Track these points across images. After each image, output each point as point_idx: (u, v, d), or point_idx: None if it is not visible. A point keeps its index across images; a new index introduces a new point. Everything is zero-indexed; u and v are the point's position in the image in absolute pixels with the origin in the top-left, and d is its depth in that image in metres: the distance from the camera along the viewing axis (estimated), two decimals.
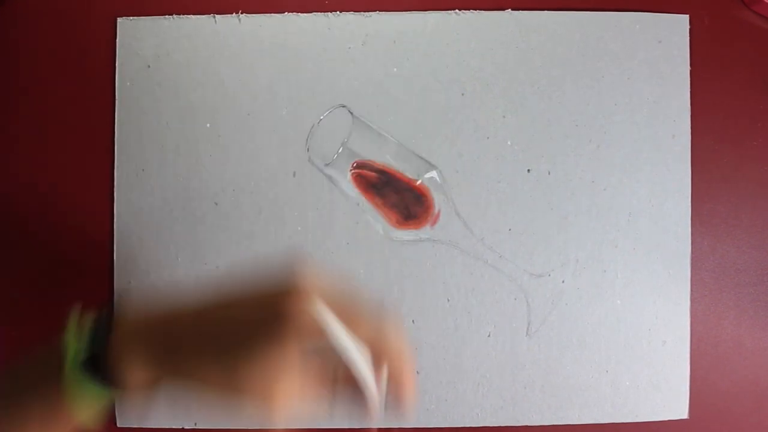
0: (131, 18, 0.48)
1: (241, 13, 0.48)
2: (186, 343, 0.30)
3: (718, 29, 0.49)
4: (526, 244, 0.48)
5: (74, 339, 0.31)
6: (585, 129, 0.48)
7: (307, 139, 0.47)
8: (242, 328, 0.29)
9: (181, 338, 0.30)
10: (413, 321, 0.48)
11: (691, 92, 0.49)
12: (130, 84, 0.48)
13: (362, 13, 0.49)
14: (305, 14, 0.49)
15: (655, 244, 0.48)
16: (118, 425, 0.47)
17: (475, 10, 0.49)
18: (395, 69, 0.48)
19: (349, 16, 0.49)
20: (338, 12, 0.49)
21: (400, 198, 0.46)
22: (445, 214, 0.47)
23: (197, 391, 0.31)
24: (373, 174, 0.45)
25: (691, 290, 0.48)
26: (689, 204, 0.48)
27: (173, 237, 0.48)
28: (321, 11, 0.49)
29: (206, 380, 0.31)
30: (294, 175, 0.48)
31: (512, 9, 0.49)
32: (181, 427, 0.47)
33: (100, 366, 0.30)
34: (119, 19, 0.48)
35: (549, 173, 0.48)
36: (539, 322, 0.48)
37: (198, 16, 0.48)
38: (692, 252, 0.48)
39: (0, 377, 0.33)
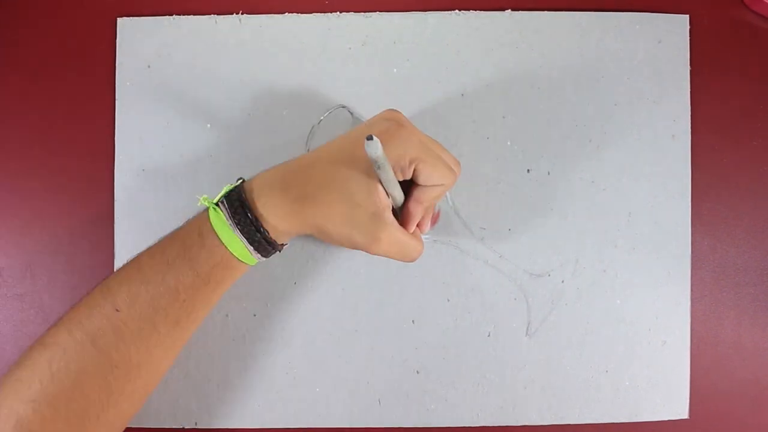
0: (131, 18, 0.48)
1: (242, 13, 0.48)
2: (312, 187, 0.37)
3: (718, 29, 0.49)
4: (526, 244, 0.48)
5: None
6: (585, 129, 0.48)
7: (307, 139, 0.47)
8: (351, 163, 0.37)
9: (308, 184, 0.37)
10: (413, 321, 0.48)
11: (691, 92, 0.49)
12: (130, 84, 0.48)
13: (362, 13, 0.49)
14: (305, 15, 0.49)
15: (655, 244, 0.48)
16: None
17: (475, 10, 0.49)
18: (395, 69, 0.48)
19: (349, 17, 0.49)
20: (338, 12, 0.49)
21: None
22: (445, 214, 0.47)
23: (325, 231, 0.38)
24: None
25: (691, 290, 0.48)
26: (689, 204, 0.48)
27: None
28: (321, 12, 0.49)
29: (330, 215, 0.37)
30: None
31: (512, 9, 0.49)
32: (181, 426, 0.47)
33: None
34: (119, 19, 0.48)
35: (549, 173, 0.48)
36: (539, 322, 0.48)
37: (198, 16, 0.48)
38: (692, 252, 0.48)
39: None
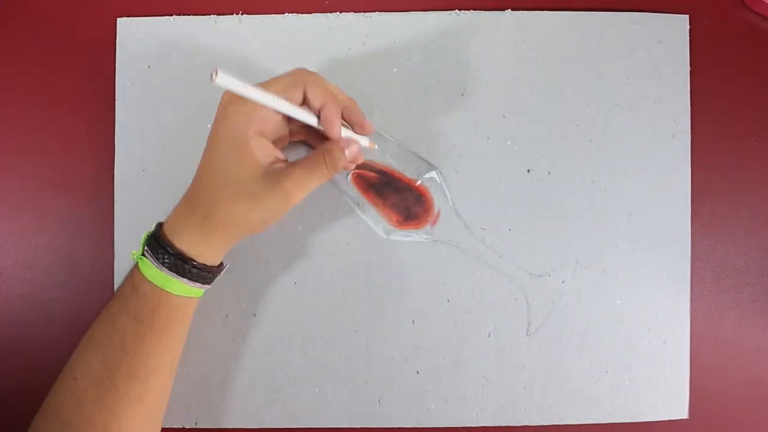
0: (131, 18, 0.48)
1: (242, 13, 0.48)
2: (207, 198, 0.39)
3: (718, 29, 0.49)
4: (526, 244, 0.48)
5: None
6: (585, 129, 0.48)
7: (307, 139, 0.46)
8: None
9: (203, 196, 0.39)
10: (413, 321, 0.48)
11: (691, 92, 0.49)
12: (130, 84, 0.48)
13: (362, 13, 0.49)
14: (305, 15, 0.49)
15: (655, 244, 0.48)
16: None
17: (475, 10, 0.49)
18: (395, 69, 0.48)
19: (349, 17, 0.49)
20: (338, 12, 0.49)
21: (400, 198, 0.46)
22: (445, 214, 0.47)
23: None
24: (373, 174, 0.45)
25: (691, 290, 0.48)
26: (689, 204, 0.48)
27: None
28: (321, 12, 0.49)
29: None
30: None
31: (512, 9, 0.49)
32: (181, 426, 0.47)
33: None
34: (119, 19, 0.48)
35: (549, 173, 0.48)
36: (539, 322, 0.48)
37: (198, 16, 0.48)
38: (692, 252, 0.48)
39: None
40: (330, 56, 0.48)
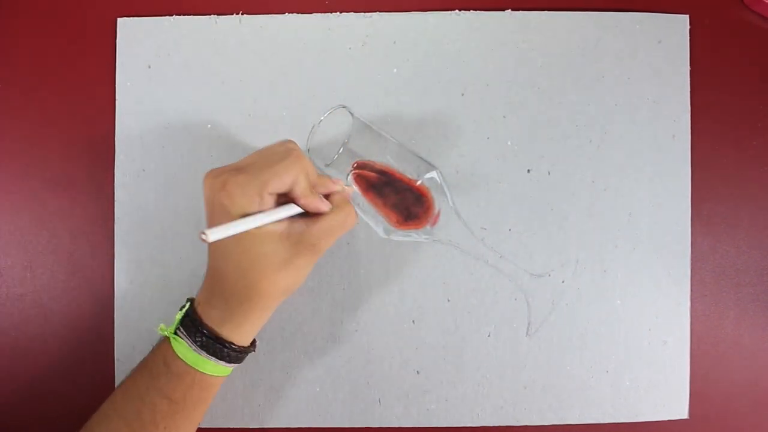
0: (131, 18, 0.48)
1: (242, 13, 0.48)
2: (241, 283, 0.38)
3: (718, 29, 0.49)
4: (526, 244, 0.48)
5: None
6: (585, 129, 0.48)
7: (307, 139, 0.46)
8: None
9: (237, 283, 0.38)
10: (413, 321, 0.48)
11: (691, 92, 0.49)
12: (130, 84, 0.48)
13: (362, 13, 0.49)
14: (305, 15, 0.49)
15: (655, 244, 0.48)
16: None
17: (475, 10, 0.49)
18: (395, 69, 0.48)
19: (349, 17, 0.49)
20: (338, 12, 0.49)
21: (401, 198, 0.46)
22: (445, 214, 0.47)
23: None
24: (373, 174, 0.45)
25: (691, 290, 0.48)
26: (689, 204, 0.48)
27: (174, 237, 0.48)
28: (321, 12, 0.49)
29: None
30: None
31: (512, 9, 0.49)
32: None
33: None
34: (119, 19, 0.48)
35: (549, 173, 0.48)
36: (539, 322, 0.48)
37: (198, 16, 0.48)
38: (692, 252, 0.48)
39: None
40: (330, 56, 0.48)
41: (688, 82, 0.49)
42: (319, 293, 0.48)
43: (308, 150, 0.47)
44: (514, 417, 0.48)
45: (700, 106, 0.49)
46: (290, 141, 0.40)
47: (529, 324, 0.48)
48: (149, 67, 0.48)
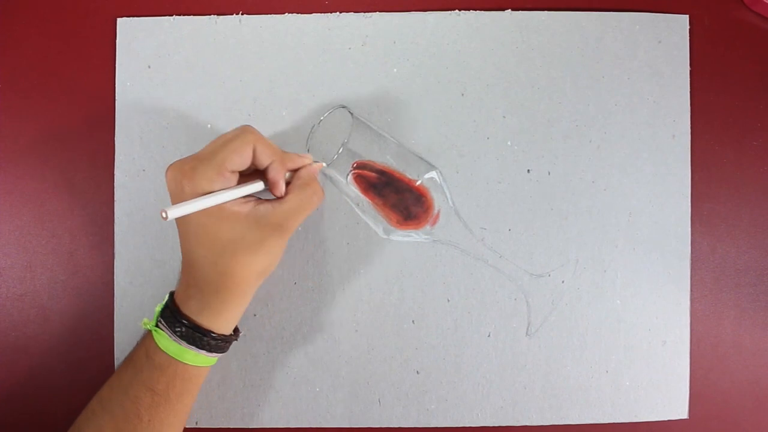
0: (131, 18, 0.48)
1: (242, 13, 0.48)
2: (214, 272, 0.38)
3: (718, 29, 0.49)
4: (526, 244, 0.48)
5: None
6: (585, 129, 0.48)
7: (307, 139, 0.46)
8: None
9: (211, 272, 0.38)
10: (413, 321, 0.48)
11: (691, 92, 0.49)
12: (130, 84, 0.48)
13: (362, 13, 0.49)
14: (305, 15, 0.49)
15: (655, 244, 0.48)
16: None
17: (475, 10, 0.49)
18: (395, 69, 0.48)
19: (349, 17, 0.49)
20: (338, 13, 0.49)
21: (400, 198, 0.46)
22: (445, 214, 0.47)
23: None
24: (373, 174, 0.45)
25: (691, 290, 0.48)
26: (689, 204, 0.48)
27: (174, 237, 0.48)
28: (321, 12, 0.49)
29: None
30: None
31: (512, 9, 0.49)
32: None
33: None
34: (119, 19, 0.48)
35: (549, 173, 0.48)
36: (539, 322, 0.48)
37: (198, 16, 0.48)
38: (692, 252, 0.48)
39: None
40: (330, 56, 0.48)
41: (688, 82, 0.49)
42: (319, 293, 0.48)
43: (308, 150, 0.47)
44: (514, 417, 0.48)
45: (700, 106, 0.49)
46: (245, 125, 0.40)
47: (529, 324, 0.48)
48: (149, 67, 0.48)
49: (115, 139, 0.48)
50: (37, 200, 0.48)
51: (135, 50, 0.48)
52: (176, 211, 0.34)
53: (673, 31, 0.49)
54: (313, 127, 0.46)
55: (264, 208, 0.38)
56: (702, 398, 0.48)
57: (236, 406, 0.48)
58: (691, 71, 0.49)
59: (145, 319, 0.40)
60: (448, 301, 0.48)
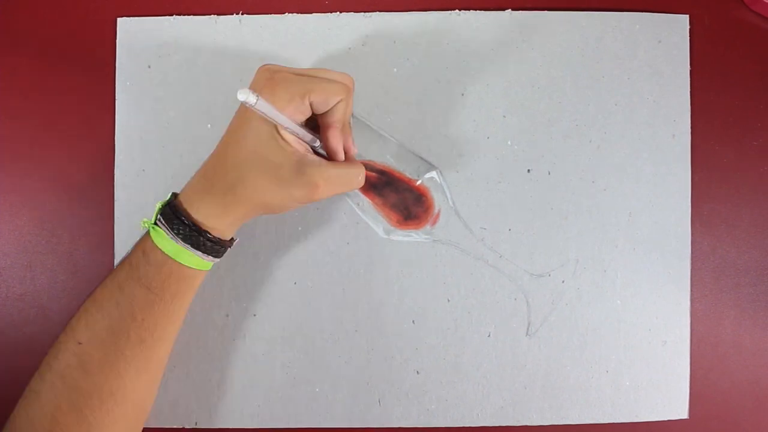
0: (131, 18, 0.48)
1: (242, 13, 0.48)
2: (232, 174, 0.38)
3: (718, 29, 0.49)
4: (526, 244, 0.48)
5: None
6: (585, 129, 0.48)
7: None
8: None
9: (228, 173, 0.38)
10: (413, 321, 0.48)
11: (691, 92, 0.49)
12: (130, 84, 0.48)
13: (362, 13, 0.49)
14: (305, 15, 0.49)
15: (655, 244, 0.48)
16: None
17: (475, 10, 0.49)
18: (395, 69, 0.48)
19: (349, 17, 0.49)
20: (338, 12, 0.49)
21: (400, 198, 0.46)
22: (445, 214, 0.47)
23: None
24: (373, 174, 0.45)
25: (691, 290, 0.48)
26: (689, 204, 0.48)
27: None
28: (321, 12, 0.49)
29: None
30: None
31: (512, 9, 0.49)
32: (181, 426, 0.47)
33: None
34: (119, 19, 0.48)
35: (549, 173, 0.48)
36: (539, 322, 0.48)
37: (198, 16, 0.48)
38: (692, 252, 0.48)
39: None
40: (330, 56, 0.48)
41: (688, 82, 0.49)
42: (319, 293, 0.48)
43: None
44: (514, 417, 0.48)
45: (700, 106, 0.49)
46: (349, 76, 0.40)
47: (529, 324, 0.48)
48: (149, 67, 0.48)
49: (115, 139, 0.48)
50: (36, 200, 0.48)
51: (135, 50, 0.48)
52: (247, 96, 0.33)
53: (673, 31, 0.49)
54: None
55: (314, 159, 0.38)
56: (702, 398, 0.48)
57: (236, 406, 0.48)
58: (691, 71, 0.49)
59: (145, 219, 0.40)
60: (448, 301, 0.48)
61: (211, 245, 0.39)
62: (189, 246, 0.38)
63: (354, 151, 0.41)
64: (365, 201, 0.46)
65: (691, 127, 0.49)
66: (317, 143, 0.40)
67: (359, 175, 0.40)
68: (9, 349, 0.48)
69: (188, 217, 0.38)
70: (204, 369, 0.47)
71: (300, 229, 0.48)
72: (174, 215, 0.38)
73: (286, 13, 0.49)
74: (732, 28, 0.49)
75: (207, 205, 0.38)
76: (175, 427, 0.47)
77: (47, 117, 0.49)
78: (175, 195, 0.40)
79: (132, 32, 0.48)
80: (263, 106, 0.33)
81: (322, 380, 0.48)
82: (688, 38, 0.49)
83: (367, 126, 0.46)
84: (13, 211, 0.48)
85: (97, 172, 0.48)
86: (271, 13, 0.48)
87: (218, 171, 0.38)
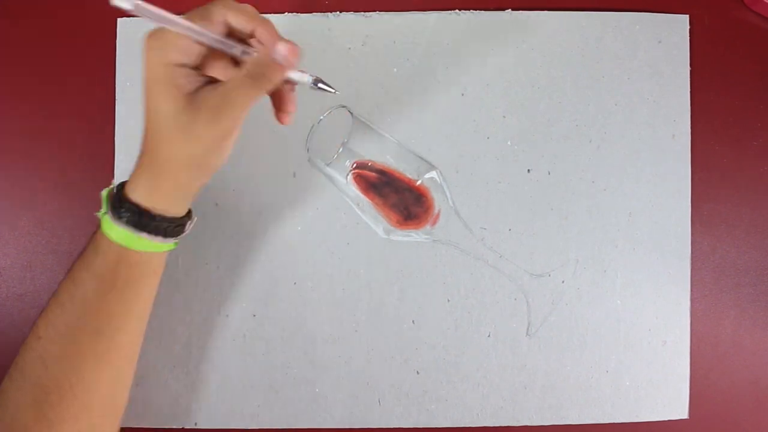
0: (131, 18, 0.48)
1: None
2: (150, 144, 0.37)
3: (718, 29, 0.49)
4: (526, 244, 0.48)
5: None
6: (585, 129, 0.48)
7: (307, 139, 0.47)
8: None
9: (147, 145, 0.37)
10: (413, 321, 0.48)
11: (691, 92, 0.49)
12: (130, 84, 0.48)
13: (362, 13, 0.49)
14: (305, 14, 0.49)
15: (655, 244, 0.48)
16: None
17: (475, 10, 0.49)
18: (395, 69, 0.48)
19: (349, 17, 0.49)
20: (338, 12, 0.49)
21: (400, 198, 0.46)
22: (445, 214, 0.47)
23: None
24: (373, 174, 0.45)
25: (691, 290, 0.48)
26: (689, 204, 0.48)
27: None
28: (321, 12, 0.49)
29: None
30: (294, 175, 0.48)
31: (512, 9, 0.49)
32: (181, 426, 0.47)
33: None
34: (119, 19, 0.48)
35: (549, 173, 0.48)
36: (539, 322, 0.48)
37: None
38: (692, 252, 0.48)
39: None
40: (330, 56, 0.48)
41: (688, 82, 0.49)
42: (319, 293, 0.48)
43: (308, 150, 0.47)
44: (514, 417, 0.48)
45: (700, 106, 0.49)
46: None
47: (529, 324, 0.48)
48: None
49: (115, 139, 0.48)
50: (36, 200, 0.48)
51: (135, 50, 0.48)
52: (145, 8, 0.30)
53: (673, 31, 0.49)
54: (313, 126, 0.46)
55: (206, 89, 0.35)
56: (702, 398, 0.48)
57: (236, 407, 0.48)
58: (691, 71, 0.49)
59: (100, 210, 0.39)
60: (448, 301, 0.48)
61: (156, 225, 0.37)
62: (132, 228, 0.37)
63: (282, 52, 0.36)
64: (365, 201, 0.46)
65: (691, 127, 0.49)
66: (239, 52, 0.35)
67: (267, 70, 0.35)
68: (9, 349, 0.48)
69: (128, 200, 0.37)
70: (204, 369, 0.47)
71: (300, 229, 0.48)
72: (117, 200, 0.37)
73: (286, 13, 0.49)
74: (732, 28, 0.49)
75: (140, 184, 0.37)
76: (175, 427, 0.47)
77: (47, 117, 0.49)
78: (122, 184, 0.39)
79: (132, 32, 0.48)
80: (143, 10, 0.31)
81: (322, 380, 0.48)
82: (688, 38, 0.49)
83: (367, 126, 0.46)
84: (12, 212, 0.48)
85: (97, 172, 0.48)
86: (271, 13, 0.48)
87: (142, 149, 0.37)
